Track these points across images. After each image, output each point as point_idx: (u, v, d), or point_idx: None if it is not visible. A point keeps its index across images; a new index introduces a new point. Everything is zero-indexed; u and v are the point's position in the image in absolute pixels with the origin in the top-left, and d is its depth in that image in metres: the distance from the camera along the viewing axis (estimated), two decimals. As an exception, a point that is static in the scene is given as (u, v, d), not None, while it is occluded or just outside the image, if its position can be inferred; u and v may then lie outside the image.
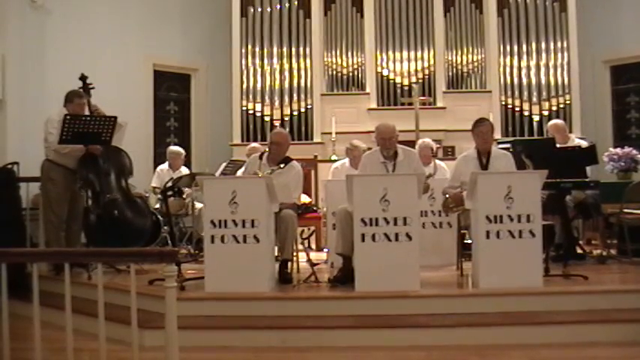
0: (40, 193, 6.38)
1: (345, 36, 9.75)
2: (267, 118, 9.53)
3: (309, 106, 9.59)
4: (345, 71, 9.73)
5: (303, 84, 9.63)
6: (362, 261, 4.87)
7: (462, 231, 5.85)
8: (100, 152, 5.96)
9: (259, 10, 9.71)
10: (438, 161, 7.00)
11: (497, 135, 8.80)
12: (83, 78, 6.26)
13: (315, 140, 9.49)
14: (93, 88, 6.27)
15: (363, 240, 4.85)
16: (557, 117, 8.75)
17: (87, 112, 6.06)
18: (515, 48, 9.57)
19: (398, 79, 9.58)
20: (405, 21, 9.65)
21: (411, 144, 6.83)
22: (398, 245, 4.82)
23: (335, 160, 7.96)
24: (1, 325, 3.25)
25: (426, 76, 9.57)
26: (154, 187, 7.66)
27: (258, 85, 9.62)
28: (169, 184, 6.00)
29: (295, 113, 9.58)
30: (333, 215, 5.71)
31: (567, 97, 9.38)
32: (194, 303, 4.78)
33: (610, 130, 9.79)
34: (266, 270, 4.98)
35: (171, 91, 10.03)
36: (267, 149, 5.77)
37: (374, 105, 9.57)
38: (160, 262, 3.26)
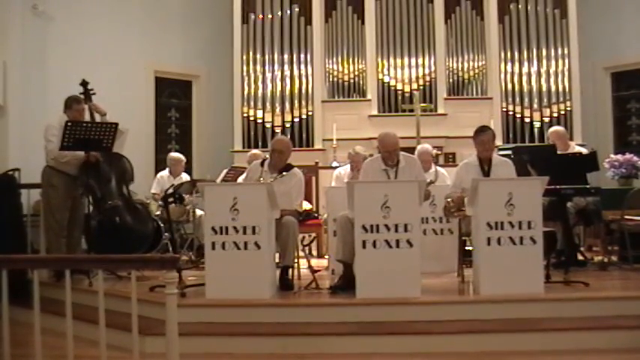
0: (40, 200, 6.38)
1: (346, 42, 9.76)
2: (268, 125, 9.55)
3: (310, 113, 9.60)
4: (346, 78, 9.74)
5: (304, 90, 9.65)
6: (363, 268, 4.86)
7: (463, 237, 5.84)
8: (95, 159, 5.90)
9: (260, 16, 9.74)
10: (438, 168, 7.00)
11: (499, 142, 8.80)
12: (84, 84, 6.23)
13: (316, 147, 9.50)
14: (94, 93, 6.24)
15: (364, 247, 4.84)
16: (558, 123, 8.75)
17: (87, 118, 6.05)
18: (516, 55, 9.59)
19: (399, 86, 9.60)
20: (406, 27, 9.68)
21: (412, 151, 6.84)
22: (399, 252, 4.81)
23: (335, 167, 7.96)
24: (2, 331, 3.25)
25: (427, 83, 9.59)
26: (154, 194, 7.66)
27: (259, 92, 9.63)
28: (170, 190, 5.99)
29: (296, 120, 9.59)
30: (334, 222, 5.71)
31: (568, 103, 9.40)
32: (195, 310, 4.76)
33: (611, 137, 9.81)
34: (267, 277, 4.97)
35: (173, 98, 10.04)
36: (267, 156, 5.77)
37: (375, 112, 9.59)
38: (161, 269, 3.26)
